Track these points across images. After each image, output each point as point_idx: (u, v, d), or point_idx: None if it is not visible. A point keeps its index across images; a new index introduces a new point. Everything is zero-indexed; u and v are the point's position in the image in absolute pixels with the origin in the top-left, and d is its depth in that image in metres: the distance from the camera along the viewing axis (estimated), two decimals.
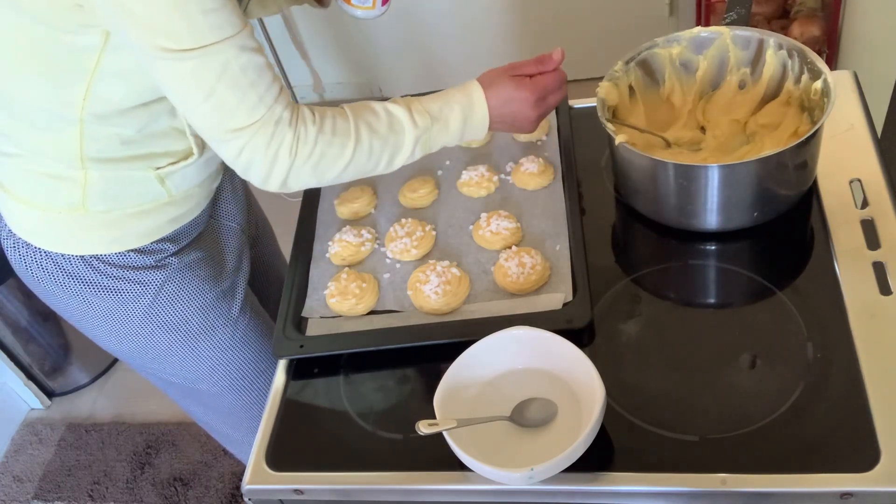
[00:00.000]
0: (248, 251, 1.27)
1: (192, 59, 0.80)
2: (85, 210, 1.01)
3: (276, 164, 0.89)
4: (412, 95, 1.00)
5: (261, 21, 2.60)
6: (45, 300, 1.12)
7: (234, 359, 1.21)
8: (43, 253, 1.04)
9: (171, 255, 1.09)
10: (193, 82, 0.82)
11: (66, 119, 0.92)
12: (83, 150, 0.95)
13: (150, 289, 1.08)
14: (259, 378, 1.26)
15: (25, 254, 1.05)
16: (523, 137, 1.24)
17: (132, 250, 1.05)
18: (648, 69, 1.14)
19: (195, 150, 1.03)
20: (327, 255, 1.14)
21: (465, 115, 0.98)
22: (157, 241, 1.07)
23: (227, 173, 1.22)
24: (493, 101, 0.99)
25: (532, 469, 0.77)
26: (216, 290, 1.15)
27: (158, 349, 1.15)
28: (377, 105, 0.95)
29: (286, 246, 1.44)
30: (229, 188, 1.22)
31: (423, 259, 1.10)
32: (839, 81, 1.15)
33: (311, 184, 0.94)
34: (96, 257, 1.04)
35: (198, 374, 1.21)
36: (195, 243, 1.13)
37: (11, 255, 1.07)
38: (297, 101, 0.90)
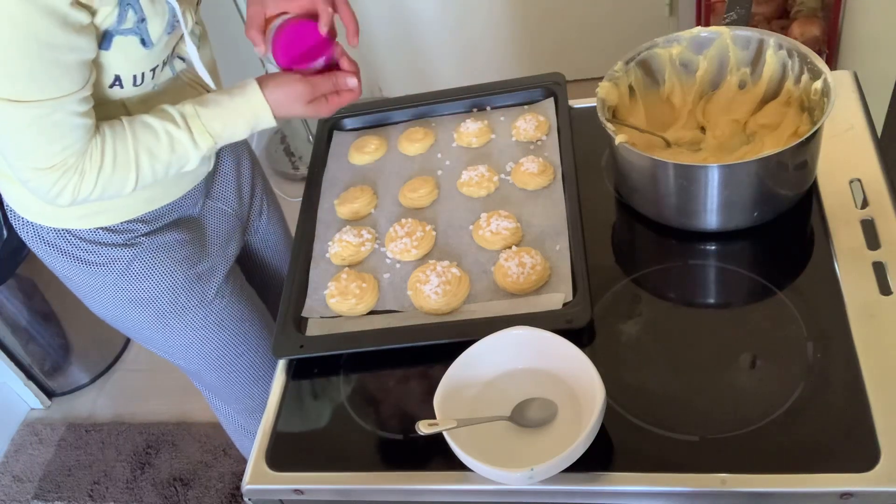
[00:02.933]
0: (240, 237, 1.29)
1: (3, 104, 0.85)
2: None
3: (60, 199, 0.95)
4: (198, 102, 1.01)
5: None
6: (42, 261, 1.17)
7: (208, 339, 1.24)
8: (25, 221, 1.10)
9: (142, 235, 1.12)
10: (1, 121, 0.87)
11: None
12: None
13: (119, 265, 1.12)
14: (238, 359, 1.29)
15: (13, 219, 1.12)
16: (523, 137, 1.24)
17: (101, 228, 1.09)
18: (648, 69, 1.14)
19: None
20: (327, 255, 1.14)
21: (250, 125, 1.02)
22: (128, 222, 1.11)
23: (229, 156, 1.23)
24: (274, 107, 1.01)
25: (532, 469, 0.77)
26: (190, 273, 1.18)
27: (132, 321, 1.21)
28: (158, 125, 0.97)
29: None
30: (229, 171, 1.24)
31: (423, 259, 1.10)
32: (839, 81, 1.15)
33: (106, 199, 1.00)
34: (68, 231, 1.09)
35: (172, 349, 1.26)
36: (174, 225, 1.15)
37: (11, 221, 1.14)
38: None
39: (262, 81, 1.01)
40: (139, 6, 0.91)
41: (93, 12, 0.87)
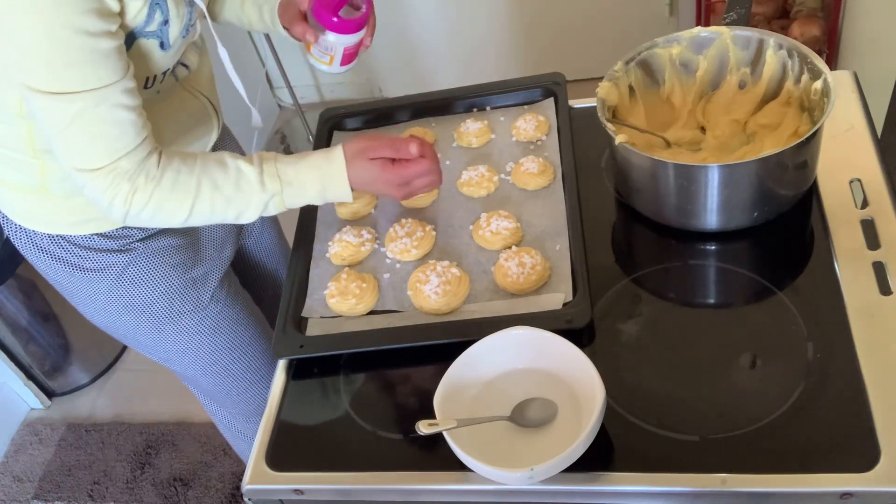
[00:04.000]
0: (235, 241, 1.29)
1: (48, 99, 0.84)
2: (47, 193, 1.04)
3: (113, 208, 0.93)
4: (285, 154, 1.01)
5: None
6: (36, 269, 1.16)
7: (203, 344, 1.24)
8: (19, 228, 1.09)
9: (137, 241, 1.12)
10: (47, 117, 0.86)
11: (11, 113, 0.95)
12: (34, 143, 0.98)
13: (113, 270, 1.12)
14: (234, 364, 1.29)
15: (7, 226, 1.11)
16: (523, 137, 1.24)
17: (96, 234, 1.09)
18: (648, 69, 1.14)
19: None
20: (327, 255, 1.14)
21: (323, 186, 0.98)
22: (123, 227, 1.10)
23: None
24: (354, 180, 0.99)
25: (532, 469, 0.77)
26: (185, 278, 1.17)
27: (127, 327, 1.20)
28: (230, 160, 0.96)
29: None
30: None
31: (423, 259, 1.10)
32: (839, 81, 1.15)
33: (155, 226, 0.99)
34: (62, 237, 1.08)
35: (167, 355, 1.25)
36: (168, 231, 1.15)
37: (4, 228, 1.13)
38: (153, 147, 0.93)
39: (350, 151, 0.99)
40: (166, 7, 0.91)
41: (123, 5, 0.86)
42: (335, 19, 1.05)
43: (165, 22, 0.92)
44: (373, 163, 0.98)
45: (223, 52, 1.05)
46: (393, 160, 0.99)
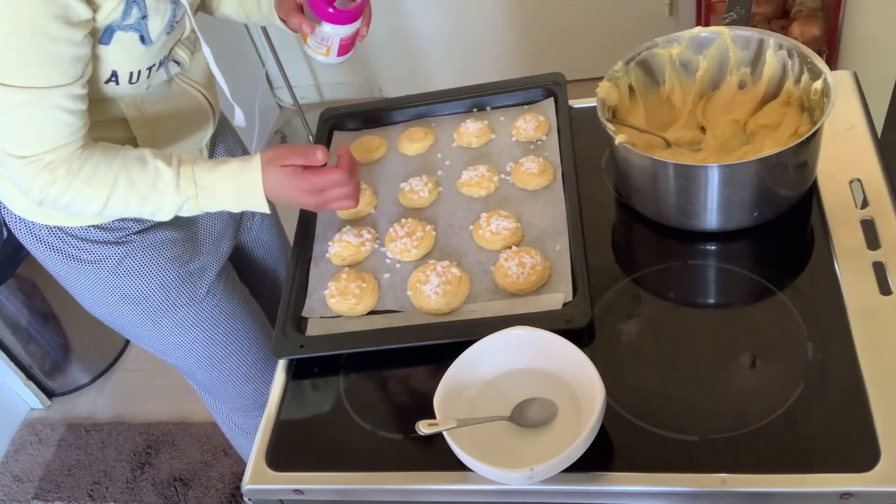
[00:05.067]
0: (233, 235, 1.29)
1: None
2: None
3: (31, 193, 0.95)
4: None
5: None
6: (36, 259, 1.17)
7: (199, 338, 1.24)
8: (19, 218, 1.10)
9: (134, 234, 1.12)
10: None
11: None
12: None
13: (110, 262, 1.12)
14: (230, 358, 1.29)
15: (7, 216, 1.11)
16: (523, 137, 1.24)
17: (93, 226, 1.09)
18: (648, 69, 1.14)
19: (139, 143, 1.05)
20: (327, 255, 1.14)
21: (237, 192, 0.99)
22: (120, 220, 1.10)
23: (223, 154, 1.24)
24: (267, 185, 0.99)
25: (532, 469, 0.77)
26: (181, 271, 1.18)
27: (125, 319, 1.21)
28: (150, 160, 0.97)
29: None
30: None
31: (423, 259, 1.10)
32: (839, 81, 1.15)
33: (72, 212, 1.00)
34: (60, 228, 1.09)
35: (164, 347, 1.26)
36: (166, 223, 1.15)
37: (5, 217, 1.14)
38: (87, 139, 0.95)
39: (265, 158, 0.99)
40: (143, 3, 0.91)
41: (95, 8, 0.87)
42: (331, 10, 1.06)
43: (144, 17, 0.93)
44: (284, 169, 0.98)
45: (207, 51, 1.05)
46: (304, 167, 0.99)
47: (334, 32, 1.09)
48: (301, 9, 1.10)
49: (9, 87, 0.85)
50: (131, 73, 0.98)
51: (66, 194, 0.95)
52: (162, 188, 0.97)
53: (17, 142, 0.90)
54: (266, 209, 1.01)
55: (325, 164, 1.00)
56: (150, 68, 0.99)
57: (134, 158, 0.96)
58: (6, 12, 0.81)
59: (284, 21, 1.13)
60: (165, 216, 1.00)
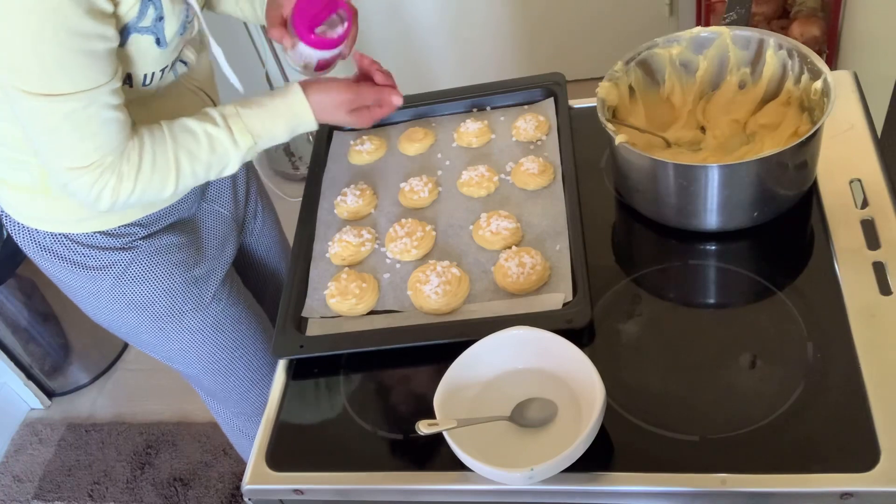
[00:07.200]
0: (236, 239, 1.29)
1: (39, 100, 0.85)
2: (48, 192, 1.04)
3: (100, 201, 0.95)
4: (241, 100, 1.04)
5: None
6: (38, 267, 1.17)
7: (205, 343, 1.24)
8: (21, 226, 1.09)
9: (140, 239, 1.12)
10: (36, 118, 0.87)
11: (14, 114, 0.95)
12: None
13: (116, 269, 1.12)
14: (236, 363, 1.29)
15: (9, 225, 1.11)
16: (523, 137, 1.24)
17: (99, 232, 1.09)
18: (648, 69, 1.14)
19: None
20: (327, 255, 1.14)
21: (291, 127, 1.03)
22: (125, 225, 1.10)
23: None
24: (317, 109, 1.03)
25: (532, 469, 0.77)
26: (187, 276, 1.17)
27: (129, 326, 1.20)
28: (197, 127, 0.98)
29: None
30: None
31: (423, 259, 1.10)
32: (839, 81, 1.15)
33: (146, 203, 1.03)
34: (65, 235, 1.09)
35: (170, 353, 1.26)
36: (171, 228, 1.15)
37: (6, 226, 1.13)
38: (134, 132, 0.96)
39: (306, 85, 1.03)
40: (160, 3, 0.92)
41: (116, 2, 0.87)
42: (312, 36, 1.05)
43: (160, 18, 0.93)
44: (333, 82, 1.04)
45: (217, 51, 1.06)
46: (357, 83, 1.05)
47: (313, 55, 1.08)
48: (285, 23, 1.09)
49: (58, 96, 0.85)
50: (145, 76, 0.98)
51: (136, 188, 0.95)
52: (220, 150, 0.99)
53: (76, 153, 0.90)
54: (316, 127, 1.05)
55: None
56: (163, 70, 1.00)
57: (180, 131, 0.97)
58: (37, 19, 0.80)
59: (268, 30, 1.12)
60: (232, 170, 1.02)
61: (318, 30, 1.05)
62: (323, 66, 1.11)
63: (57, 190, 1.03)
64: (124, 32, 0.91)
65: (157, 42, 0.95)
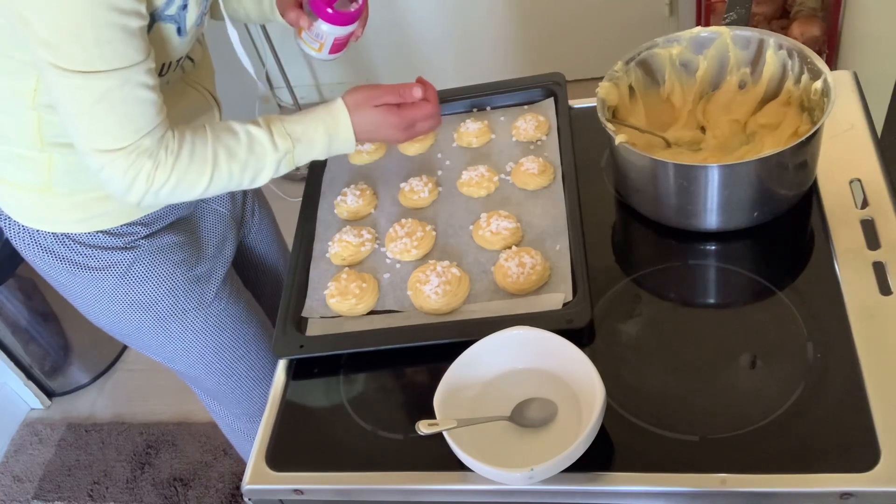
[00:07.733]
0: (235, 237, 1.29)
1: (76, 78, 0.84)
2: (51, 191, 1.04)
3: (134, 188, 0.94)
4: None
5: None
6: (36, 270, 1.16)
7: (208, 342, 1.24)
8: (20, 226, 1.09)
9: (142, 238, 1.12)
10: (73, 97, 0.87)
11: (22, 105, 0.95)
12: (42, 135, 0.98)
13: (119, 268, 1.12)
14: (238, 362, 1.28)
15: (6, 226, 1.10)
16: (523, 137, 1.24)
17: (101, 231, 1.09)
18: (648, 69, 1.14)
19: None
20: (327, 255, 1.14)
21: (330, 136, 1.02)
22: (128, 224, 1.10)
23: None
24: (358, 127, 1.03)
25: (532, 469, 0.77)
26: (189, 275, 1.17)
27: (131, 326, 1.19)
28: (238, 127, 0.98)
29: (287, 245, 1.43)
30: None
31: (423, 259, 1.10)
32: (839, 81, 1.15)
33: (174, 202, 1.00)
34: (67, 235, 1.08)
35: (172, 354, 1.25)
36: (171, 227, 1.15)
37: (5, 229, 1.12)
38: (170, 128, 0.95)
39: (353, 100, 1.03)
40: None
41: None
42: (330, 10, 1.07)
43: (184, 7, 0.93)
44: (377, 109, 1.03)
45: (233, 33, 1.07)
46: (398, 105, 1.03)
47: (330, 32, 1.10)
48: (300, 4, 1.11)
49: (95, 73, 0.84)
50: (163, 65, 0.98)
51: (171, 178, 0.94)
52: (259, 151, 0.98)
53: (112, 134, 0.89)
54: (353, 149, 1.06)
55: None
56: (178, 60, 1.00)
57: (221, 129, 0.97)
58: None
59: (282, 15, 1.14)
60: (265, 179, 1.01)
61: (336, 4, 1.07)
62: (338, 46, 1.13)
63: (64, 188, 1.03)
64: (151, 20, 0.91)
65: (179, 31, 0.95)
